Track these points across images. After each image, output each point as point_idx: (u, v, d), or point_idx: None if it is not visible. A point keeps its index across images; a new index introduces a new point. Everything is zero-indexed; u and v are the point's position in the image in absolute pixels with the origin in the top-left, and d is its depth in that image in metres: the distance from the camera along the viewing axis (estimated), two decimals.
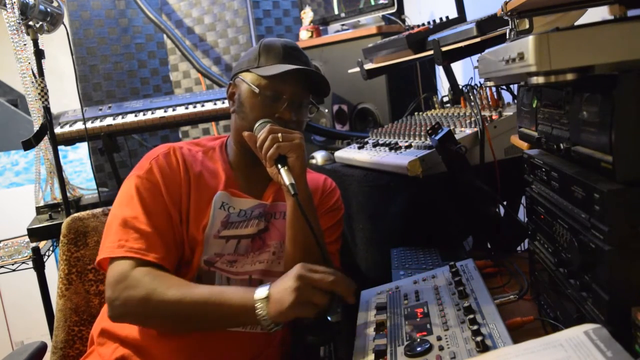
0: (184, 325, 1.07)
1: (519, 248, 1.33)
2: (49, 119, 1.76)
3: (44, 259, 1.96)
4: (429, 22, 1.72)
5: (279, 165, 1.06)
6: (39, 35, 1.73)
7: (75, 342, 1.32)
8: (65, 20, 1.90)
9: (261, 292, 0.97)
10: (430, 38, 1.52)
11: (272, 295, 0.97)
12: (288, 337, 1.27)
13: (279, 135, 1.07)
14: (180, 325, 1.07)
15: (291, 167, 1.06)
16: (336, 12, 2.42)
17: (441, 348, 0.76)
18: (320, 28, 2.54)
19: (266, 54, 1.19)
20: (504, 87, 1.44)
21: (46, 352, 1.35)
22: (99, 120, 2.12)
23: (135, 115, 2.13)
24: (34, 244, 1.93)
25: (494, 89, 1.42)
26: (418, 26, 1.76)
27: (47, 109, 1.75)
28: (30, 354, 1.26)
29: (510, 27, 0.89)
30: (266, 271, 1.19)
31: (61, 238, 1.37)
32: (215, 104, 2.19)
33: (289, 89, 1.16)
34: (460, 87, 1.69)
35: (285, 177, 1.04)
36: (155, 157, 1.20)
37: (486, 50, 0.91)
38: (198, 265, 1.15)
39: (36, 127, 1.87)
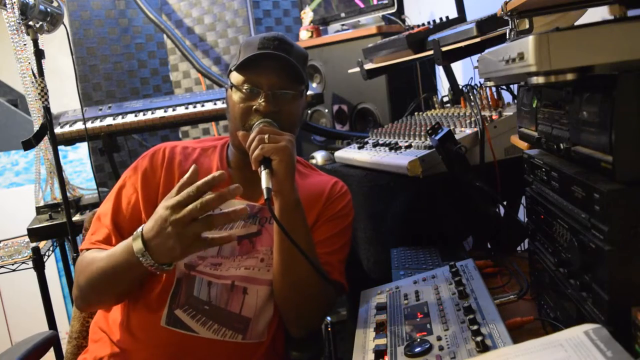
0: (106, 291, 1.09)
1: (519, 248, 1.33)
2: (49, 119, 1.76)
3: (44, 259, 1.96)
4: (429, 22, 1.72)
5: (261, 167, 1.02)
6: (39, 35, 1.73)
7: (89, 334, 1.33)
8: (65, 20, 1.90)
9: (137, 246, 0.97)
10: (430, 38, 1.52)
11: (151, 246, 0.95)
12: (280, 348, 1.22)
13: (266, 136, 1.03)
14: (103, 291, 1.10)
15: (275, 171, 1.01)
16: (336, 11, 2.42)
17: (441, 348, 0.76)
18: (320, 28, 2.54)
19: (245, 49, 1.17)
20: (504, 87, 1.44)
21: (52, 344, 1.37)
22: (99, 120, 2.12)
23: (135, 115, 2.13)
24: (34, 244, 1.93)
25: (494, 89, 1.42)
26: (418, 26, 1.76)
27: (47, 109, 1.75)
28: (37, 343, 1.28)
29: (510, 27, 0.88)
30: (251, 278, 1.14)
31: (83, 232, 1.41)
32: (215, 104, 2.19)
33: (265, 80, 1.13)
34: (460, 87, 1.69)
35: (263, 180, 0.99)
36: (142, 157, 1.24)
37: (486, 50, 0.91)
38: (176, 268, 1.12)
39: (36, 127, 1.87)
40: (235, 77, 1.16)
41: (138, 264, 0.97)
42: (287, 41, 1.17)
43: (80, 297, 1.13)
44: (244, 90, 1.14)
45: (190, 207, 0.91)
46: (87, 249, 1.16)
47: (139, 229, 0.99)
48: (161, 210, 0.94)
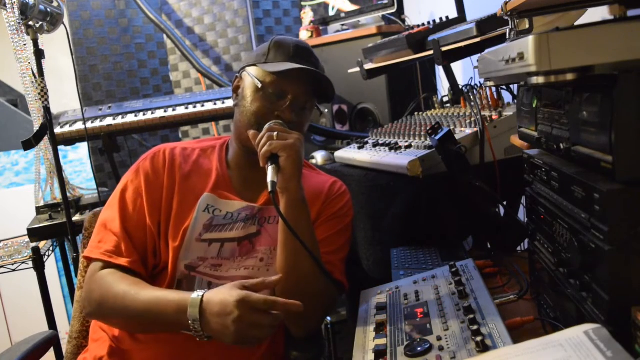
0: (136, 328, 1.09)
1: (519, 248, 1.33)
2: (49, 119, 1.76)
3: (44, 259, 1.96)
4: (429, 22, 1.72)
5: (269, 163, 1.03)
6: (39, 35, 1.73)
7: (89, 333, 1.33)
8: (65, 20, 1.90)
9: (193, 312, 0.96)
10: (430, 38, 1.52)
11: (208, 321, 0.95)
12: (280, 348, 1.22)
13: (275, 134, 1.04)
14: (134, 328, 1.10)
15: (282, 167, 1.03)
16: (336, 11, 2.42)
17: (441, 348, 0.76)
18: (320, 28, 2.54)
19: (276, 50, 1.18)
20: (504, 87, 1.44)
21: (53, 344, 1.37)
22: (99, 120, 2.12)
23: (135, 115, 2.13)
24: (34, 244, 1.93)
25: (494, 89, 1.42)
26: (418, 26, 1.76)
27: (47, 109, 1.75)
28: (37, 343, 1.28)
29: (510, 27, 0.88)
30: (251, 278, 1.13)
31: (83, 232, 1.41)
32: (215, 104, 2.19)
33: (293, 89, 1.14)
34: (460, 87, 1.69)
35: (269, 174, 1.01)
36: (143, 160, 1.23)
37: (486, 50, 0.91)
38: (176, 270, 1.13)
39: (36, 127, 1.87)
40: (263, 75, 1.16)
41: (185, 325, 0.97)
42: (314, 54, 1.22)
43: (96, 315, 1.12)
44: (271, 92, 1.15)
45: (262, 317, 0.94)
46: (99, 260, 1.12)
47: (199, 294, 0.98)
48: (236, 296, 0.93)
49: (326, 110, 2.43)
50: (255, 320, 0.93)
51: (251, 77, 1.17)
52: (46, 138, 1.84)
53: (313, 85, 1.17)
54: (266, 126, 1.08)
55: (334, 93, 1.21)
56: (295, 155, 1.03)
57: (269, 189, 0.99)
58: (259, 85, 1.15)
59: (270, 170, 1.02)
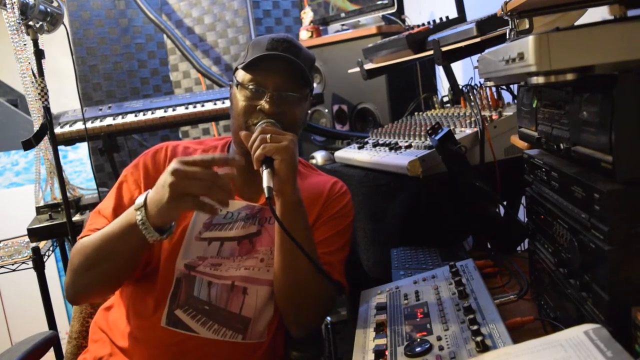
0: (97, 265, 1.07)
1: (519, 248, 1.33)
2: (49, 119, 1.76)
3: (44, 259, 1.96)
4: (429, 22, 1.72)
5: (263, 167, 1.02)
6: (39, 35, 1.73)
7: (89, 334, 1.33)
8: (65, 20, 1.89)
9: (138, 201, 0.98)
10: (430, 38, 1.52)
11: (148, 200, 0.97)
12: (280, 348, 1.22)
13: (268, 136, 1.03)
14: (98, 271, 1.07)
15: (276, 170, 1.01)
16: (336, 11, 2.42)
17: (441, 348, 0.76)
18: (320, 28, 2.54)
19: (252, 49, 1.17)
20: (504, 87, 1.44)
21: (53, 344, 1.37)
22: (99, 120, 2.12)
23: (135, 115, 2.13)
24: (34, 244, 1.93)
25: (494, 89, 1.42)
26: (418, 26, 1.76)
27: (47, 109, 1.75)
28: (37, 344, 1.28)
29: (510, 27, 0.89)
30: (251, 278, 1.14)
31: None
32: (215, 104, 2.19)
33: (270, 80, 1.13)
34: (460, 87, 1.69)
35: (265, 179, 1.00)
36: (144, 155, 1.24)
37: (486, 50, 0.91)
38: (175, 269, 1.13)
39: (36, 127, 1.87)
40: (242, 76, 1.16)
41: (135, 227, 0.97)
42: (295, 44, 1.18)
43: (70, 283, 1.10)
44: (249, 89, 1.14)
45: (198, 170, 0.93)
46: (85, 236, 1.14)
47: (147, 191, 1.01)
48: (172, 163, 0.95)
49: (326, 110, 2.43)
50: (190, 172, 0.92)
51: (234, 81, 1.18)
52: (46, 138, 1.84)
53: (292, 74, 1.14)
54: (258, 127, 1.07)
55: (308, 77, 1.17)
56: (289, 158, 1.02)
57: (265, 194, 0.98)
58: (237, 85, 1.16)
59: (265, 175, 1.01)
